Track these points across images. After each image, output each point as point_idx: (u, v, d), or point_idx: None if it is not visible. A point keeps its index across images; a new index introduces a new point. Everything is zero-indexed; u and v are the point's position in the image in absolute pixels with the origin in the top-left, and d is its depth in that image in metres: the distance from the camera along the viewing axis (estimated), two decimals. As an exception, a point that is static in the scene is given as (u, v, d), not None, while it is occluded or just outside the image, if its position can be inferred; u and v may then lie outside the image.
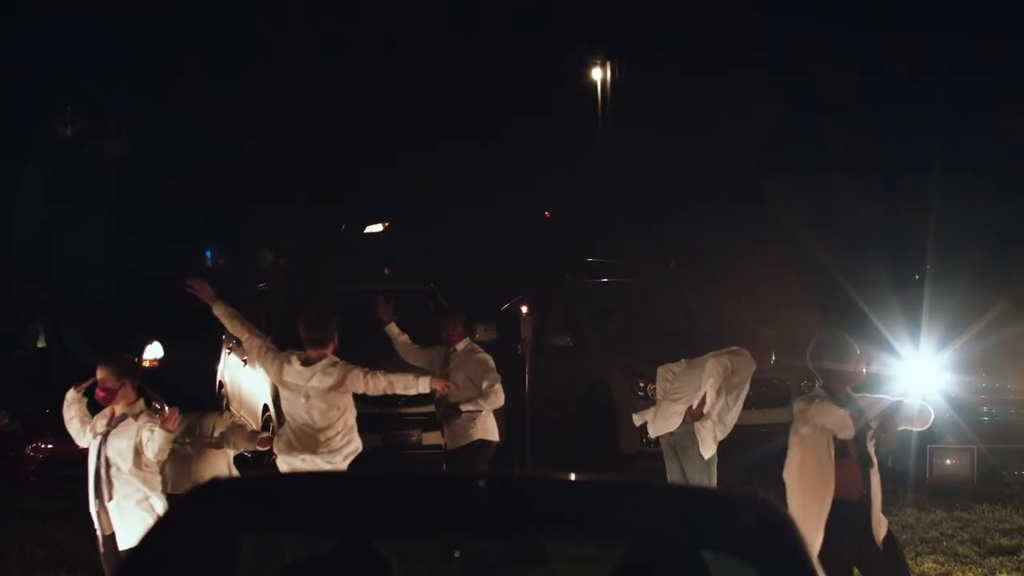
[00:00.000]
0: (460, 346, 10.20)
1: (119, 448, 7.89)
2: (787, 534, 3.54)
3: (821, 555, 7.23)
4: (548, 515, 3.64)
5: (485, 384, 9.96)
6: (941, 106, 30.65)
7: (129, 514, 7.88)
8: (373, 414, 12.25)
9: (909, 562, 9.83)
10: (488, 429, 10.11)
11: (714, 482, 9.77)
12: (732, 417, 9.87)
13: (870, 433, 7.33)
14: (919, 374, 12.84)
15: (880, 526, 7.32)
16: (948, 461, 12.25)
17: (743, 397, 9.90)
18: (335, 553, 3.74)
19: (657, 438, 10.22)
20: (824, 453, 7.25)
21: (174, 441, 8.75)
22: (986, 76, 30.31)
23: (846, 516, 7.23)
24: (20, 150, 31.17)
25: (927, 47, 30.38)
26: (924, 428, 7.58)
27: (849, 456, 7.27)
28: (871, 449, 7.34)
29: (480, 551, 3.74)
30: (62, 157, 32.26)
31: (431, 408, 12.20)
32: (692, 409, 9.79)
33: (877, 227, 27.70)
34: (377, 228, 32.66)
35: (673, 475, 9.97)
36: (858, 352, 7.41)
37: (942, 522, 11.07)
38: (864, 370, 7.51)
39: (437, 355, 10.32)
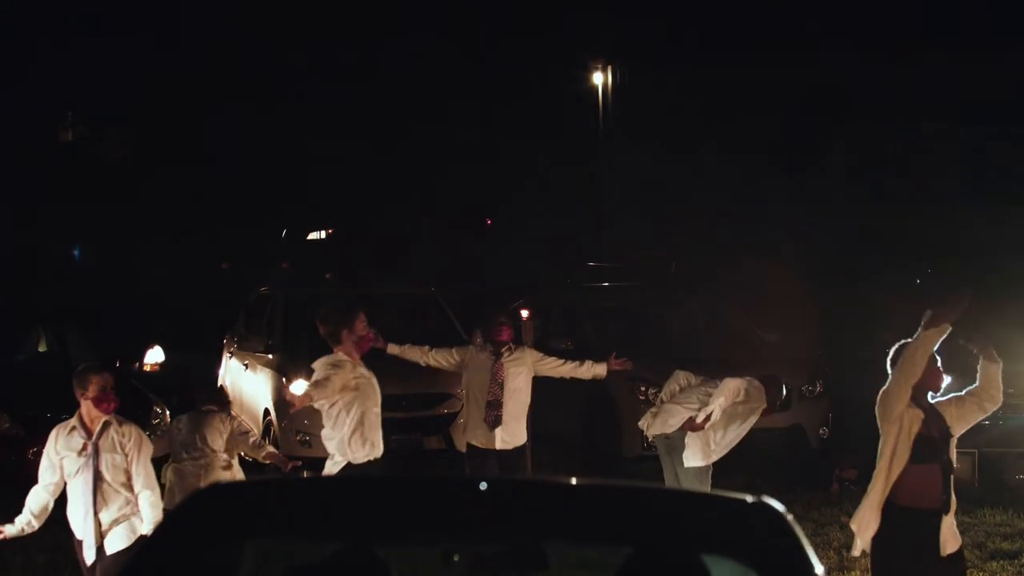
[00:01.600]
0: (514, 344, 10.22)
1: (114, 463, 7.80)
2: (789, 538, 3.53)
3: (874, 558, 7.11)
4: (550, 519, 3.64)
5: (559, 360, 10.17)
6: (942, 108, 30.67)
7: (121, 521, 7.84)
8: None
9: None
10: None
11: (707, 487, 9.74)
12: (727, 441, 9.86)
13: (953, 439, 7.12)
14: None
15: (950, 539, 7.05)
16: (949, 465, 12.21)
17: (745, 427, 9.87)
18: (336, 558, 3.74)
19: (654, 441, 10.22)
20: (900, 454, 7.00)
21: (179, 458, 8.78)
22: (986, 79, 30.32)
23: (915, 523, 6.98)
24: (21, 153, 31.23)
25: (928, 50, 30.40)
26: (998, 406, 7.29)
27: (929, 461, 7.02)
28: (952, 455, 7.11)
29: (482, 555, 3.73)
30: (63, 160, 32.34)
31: (432, 412, 12.21)
32: (695, 421, 9.76)
33: (878, 230, 27.68)
34: (320, 235, 32.57)
35: (669, 479, 9.97)
36: (938, 357, 7.28)
37: (944, 526, 11.05)
38: (944, 374, 7.34)
39: (474, 356, 10.20)
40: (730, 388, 9.72)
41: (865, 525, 7.07)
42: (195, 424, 8.98)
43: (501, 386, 10.00)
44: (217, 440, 8.86)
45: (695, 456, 9.83)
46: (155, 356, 16.67)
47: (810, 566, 3.47)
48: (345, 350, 8.69)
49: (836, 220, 29.15)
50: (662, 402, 10.14)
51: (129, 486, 7.82)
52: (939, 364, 7.21)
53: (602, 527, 3.63)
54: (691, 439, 9.81)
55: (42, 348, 14.88)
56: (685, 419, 9.80)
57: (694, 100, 32.33)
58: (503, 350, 10.11)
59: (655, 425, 10.01)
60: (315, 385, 8.58)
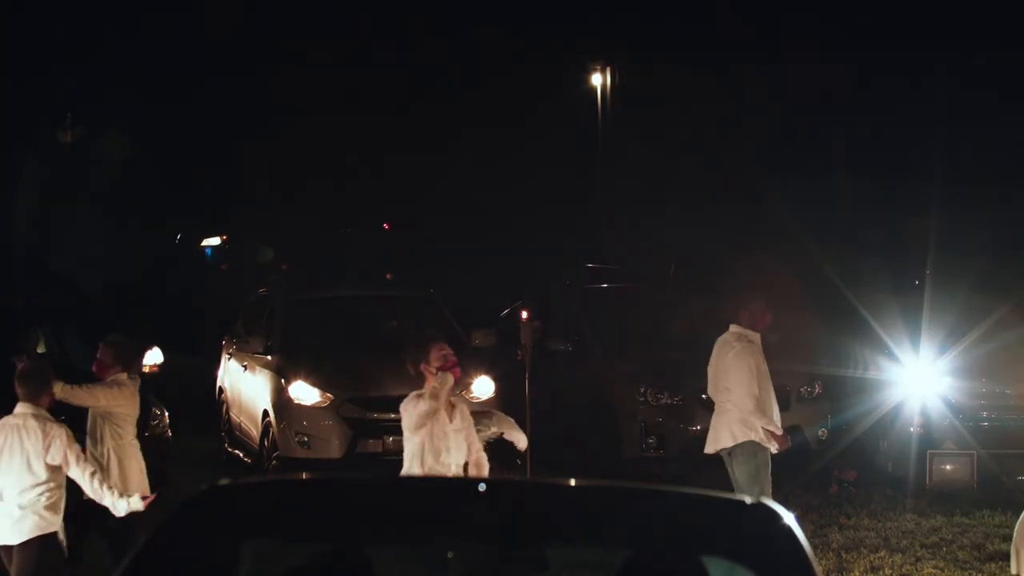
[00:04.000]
0: None
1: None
2: (789, 540, 3.53)
3: None
4: (549, 520, 3.64)
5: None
6: (942, 111, 30.68)
7: None
8: (373, 420, 12.27)
9: (909, 567, 9.84)
10: None
11: (767, 488, 9.62)
12: (774, 407, 9.80)
13: None
14: (919, 379, 12.84)
15: None
16: (948, 466, 12.24)
17: (769, 378, 9.81)
18: (333, 558, 3.74)
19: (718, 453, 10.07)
20: None
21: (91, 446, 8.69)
22: (986, 81, 30.34)
23: None
24: (20, 154, 31.24)
25: (928, 52, 30.43)
26: None
27: None
28: None
29: (482, 557, 3.74)
30: (62, 160, 32.35)
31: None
32: (779, 447, 9.65)
33: (877, 232, 27.66)
34: (215, 241, 32.49)
35: (737, 485, 9.81)
36: None
37: (942, 527, 11.06)
38: None
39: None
40: (749, 398, 9.56)
41: None
42: (103, 396, 8.65)
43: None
44: (128, 419, 8.68)
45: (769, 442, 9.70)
46: (154, 357, 16.63)
47: (809, 568, 3.48)
48: (430, 383, 8.19)
49: (837, 220, 29.14)
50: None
51: None
52: None
53: (601, 528, 3.64)
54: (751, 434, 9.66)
55: (41, 349, 14.87)
56: (733, 438, 9.63)
57: (692, 99, 32.33)
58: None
59: (708, 444, 9.94)
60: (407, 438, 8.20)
